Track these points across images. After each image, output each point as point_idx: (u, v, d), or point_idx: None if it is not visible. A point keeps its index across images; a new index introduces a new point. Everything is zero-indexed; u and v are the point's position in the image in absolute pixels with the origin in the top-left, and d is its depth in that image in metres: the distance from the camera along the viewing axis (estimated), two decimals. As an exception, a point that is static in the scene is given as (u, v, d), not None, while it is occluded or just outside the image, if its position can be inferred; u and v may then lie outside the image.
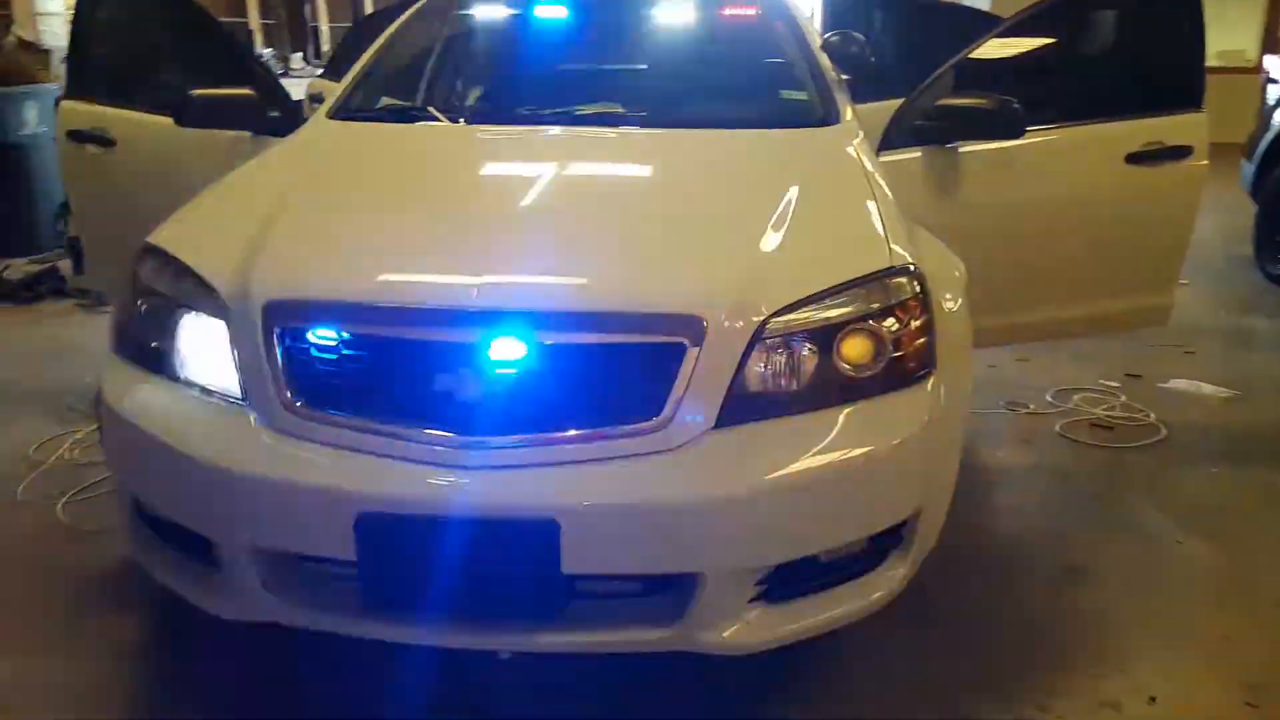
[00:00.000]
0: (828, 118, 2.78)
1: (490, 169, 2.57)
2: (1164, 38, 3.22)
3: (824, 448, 1.79)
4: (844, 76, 3.14)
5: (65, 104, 3.52)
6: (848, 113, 2.82)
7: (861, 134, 2.72)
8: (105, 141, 3.38)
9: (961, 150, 2.98)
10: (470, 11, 3.62)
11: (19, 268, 5.57)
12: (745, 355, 1.79)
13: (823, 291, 1.87)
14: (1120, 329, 3.57)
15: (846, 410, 1.85)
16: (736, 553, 1.75)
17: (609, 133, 2.71)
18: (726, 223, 2.12)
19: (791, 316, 1.84)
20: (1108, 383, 4.06)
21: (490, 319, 1.75)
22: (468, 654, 1.95)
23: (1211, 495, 3.15)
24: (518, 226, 2.10)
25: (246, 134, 3.06)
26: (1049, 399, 3.91)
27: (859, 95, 3.07)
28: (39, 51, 6.55)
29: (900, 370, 1.90)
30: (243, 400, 1.86)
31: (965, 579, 2.58)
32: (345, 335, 1.81)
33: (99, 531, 2.73)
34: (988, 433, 3.61)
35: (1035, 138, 2.97)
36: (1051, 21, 3.19)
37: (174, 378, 1.97)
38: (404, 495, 1.70)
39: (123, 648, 2.29)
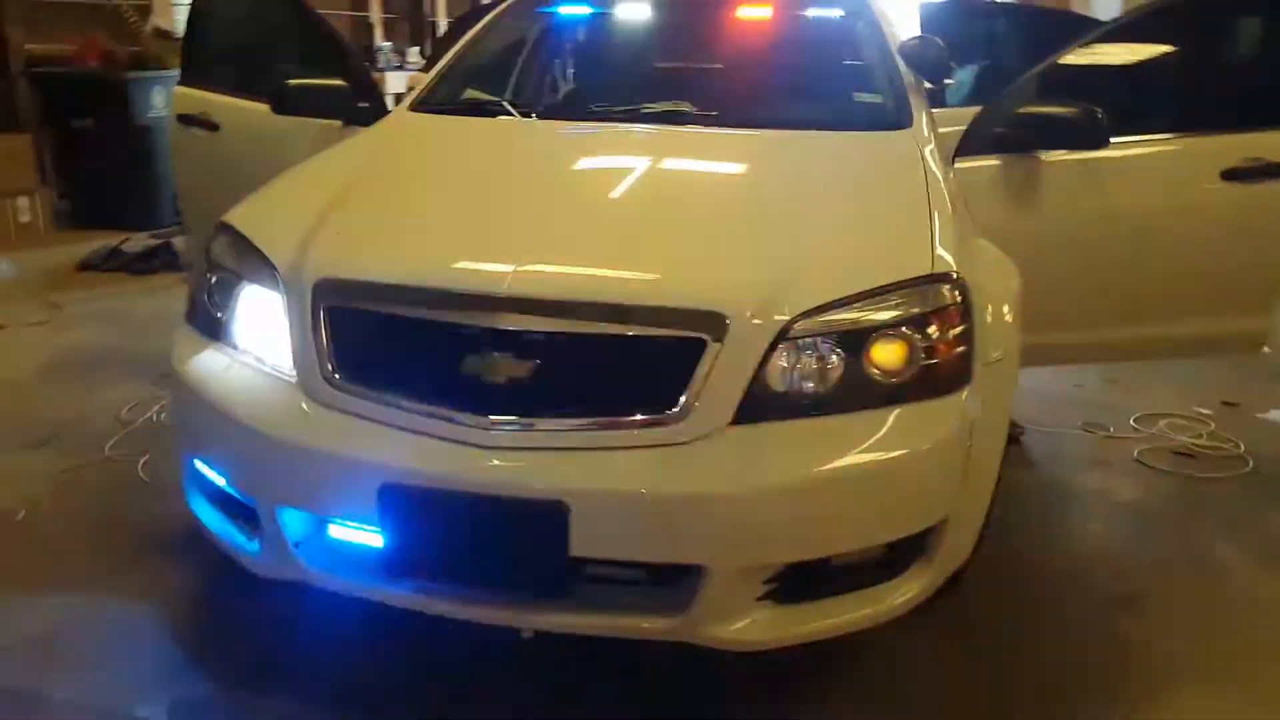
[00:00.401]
0: (899, 122, 2.73)
1: (547, 163, 2.62)
2: (1274, 48, 3.05)
3: (840, 452, 1.77)
4: (927, 84, 3.08)
5: (177, 89, 3.75)
6: (921, 118, 2.76)
7: (934, 140, 2.66)
8: (210, 125, 3.58)
9: (1044, 159, 2.88)
10: (552, 10, 3.70)
11: (139, 240, 5.94)
12: (767, 354, 1.79)
13: (853, 295, 1.85)
14: (1209, 353, 3.38)
15: (871, 415, 1.82)
16: (741, 550, 1.75)
17: (674, 131, 2.73)
18: (771, 222, 2.12)
19: (819, 318, 1.83)
20: (1200, 410, 3.85)
21: (519, 306, 1.80)
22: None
23: (1293, 534, 2.97)
24: (560, 218, 2.14)
25: (337, 123, 3.19)
26: (1132, 423, 3.73)
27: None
28: (173, 39, 6.92)
29: (933, 378, 1.86)
30: (291, 371, 1.96)
31: (1014, 600, 2.51)
32: (383, 314, 1.89)
33: (172, 491, 2.89)
34: (1059, 453, 3.48)
35: (1123, 150, 2.86)
36: (1149, 30, 3.06)
37: (234, 347, 2.09)
38: (423, 469, 1.76)
39: (172, 598, 2.42)
